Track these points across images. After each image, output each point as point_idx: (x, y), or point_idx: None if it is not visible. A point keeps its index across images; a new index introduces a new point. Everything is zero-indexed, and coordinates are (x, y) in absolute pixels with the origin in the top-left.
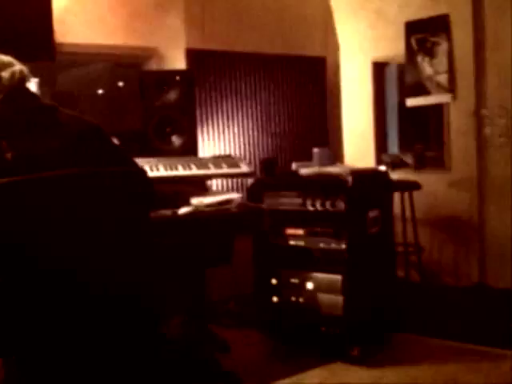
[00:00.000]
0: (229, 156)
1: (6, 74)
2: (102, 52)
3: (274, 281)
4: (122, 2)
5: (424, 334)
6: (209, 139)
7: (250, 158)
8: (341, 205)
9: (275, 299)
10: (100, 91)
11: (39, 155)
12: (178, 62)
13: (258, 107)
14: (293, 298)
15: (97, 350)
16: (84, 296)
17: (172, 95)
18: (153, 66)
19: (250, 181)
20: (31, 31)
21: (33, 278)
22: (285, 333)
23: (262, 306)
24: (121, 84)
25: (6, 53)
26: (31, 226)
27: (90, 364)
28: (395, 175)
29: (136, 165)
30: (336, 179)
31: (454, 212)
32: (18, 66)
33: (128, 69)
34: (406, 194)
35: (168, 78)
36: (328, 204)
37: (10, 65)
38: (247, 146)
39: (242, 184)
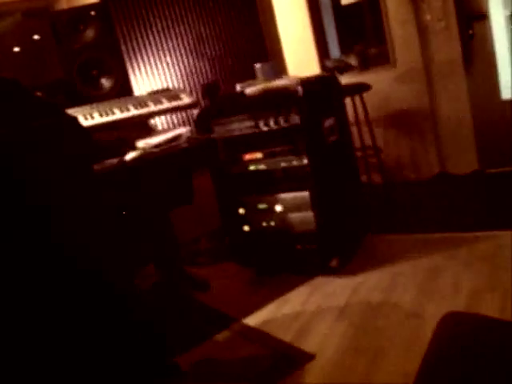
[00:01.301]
0: (167, 89)
1: None
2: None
3: (241, 210)
4: None
5: (396, 232)
6: (141, 76)
7: (189, 88)
8: (295, 118)
9: (246, 228)
10: (15, 49)
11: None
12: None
13: (188, 32)
14: (264, 224)
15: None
16: (39, 258)
17: (90, 34)
18: (63, 6)
19: (194, 112)
20: None
21: None
22: (261, 259)
23: (233, 238)
24: (36, 37)
25: None
26: None
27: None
28: (342, 79)
29: (65, 114)
30: (285, 92)
31: (405, 106)
32: None
33: (40, 18)
34: (357, 98)
35: (82, 15)
36: (281, 120)
37: None
38: (183, 75)
39: (186, 117)
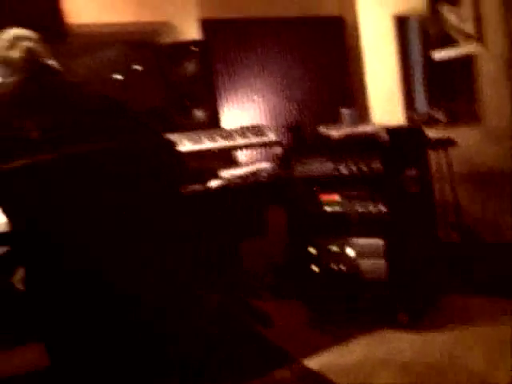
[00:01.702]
0: (254, 125)
1: (15, 54)
2: (114, 31)
3: (312, 250)
4: None
5: (470, 294)
6: (230, 110)
7: (274, 126)
8: (377, 165)
9: (315, 268)
10: (118, 76)
11: (65, 133)
12: (192, 34)
13: (278, 73)
14: (333, 266)
15: (136, 328)
16: (116, 271)
17: (189, 67)
18: (167, 40)
19: (277, 149)
20: (39, 12)
21: (60, 255)
22: (327, 302)
23: (301, 277)
24: (137, 67)
25: None
26: (59, 204)
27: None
28: (428, 133)
29: (163, 137)
30: (370, 139)
31: (490, 166)
32: (26, 43)
33: (143, 49)
34: (441, 152)
35: (183, 50)
36: (363, 165)
37: (18, 41)
38: (270, 113)
39: (269, 153)
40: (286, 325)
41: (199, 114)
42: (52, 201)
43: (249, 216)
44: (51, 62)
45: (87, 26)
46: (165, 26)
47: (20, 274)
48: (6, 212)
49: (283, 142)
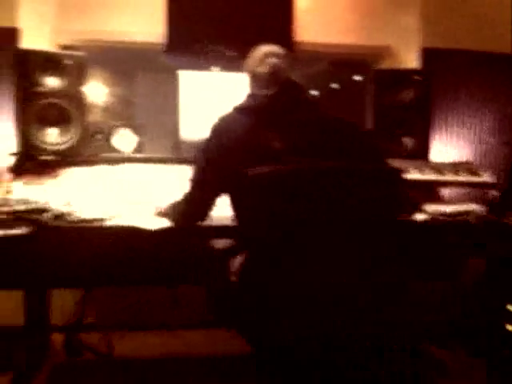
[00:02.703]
0: (467, 162)
1: (262, 70)
2: (333, 51)
3: (510, 307)
4: (360, 1)
5: None
6: (440, 143)
7: (486, 166)
8: None
9: (510, 328)
10: (314, 92)
11: (303, 148)
12: (411, 62)
13: (496, 113)
14: None
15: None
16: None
17: (407, 95)
18: (384, 65)
19: (490, 192)
20: (272, 28)
21: (284, 256)
22: None
23: (492, 333)
24: (335, 86)
25: (245, 48)
26: (294, 211)
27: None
28: None
29: (391, 165)
30: None
31: None
32: (273, 60)
33: (347, 68)
34: None
35: (403, 77)
36: None
37: (266, 57)
38: (482, 154)
39: (478, 195)
40: (462, 378)
41: (409, 142)
42: (288, 208)
43: (446, 256)
44: (294, 79)
45: (309, 44)
46: (384, 51)
47: (234, 265)
48: (242, 210)
49: (500, 185)
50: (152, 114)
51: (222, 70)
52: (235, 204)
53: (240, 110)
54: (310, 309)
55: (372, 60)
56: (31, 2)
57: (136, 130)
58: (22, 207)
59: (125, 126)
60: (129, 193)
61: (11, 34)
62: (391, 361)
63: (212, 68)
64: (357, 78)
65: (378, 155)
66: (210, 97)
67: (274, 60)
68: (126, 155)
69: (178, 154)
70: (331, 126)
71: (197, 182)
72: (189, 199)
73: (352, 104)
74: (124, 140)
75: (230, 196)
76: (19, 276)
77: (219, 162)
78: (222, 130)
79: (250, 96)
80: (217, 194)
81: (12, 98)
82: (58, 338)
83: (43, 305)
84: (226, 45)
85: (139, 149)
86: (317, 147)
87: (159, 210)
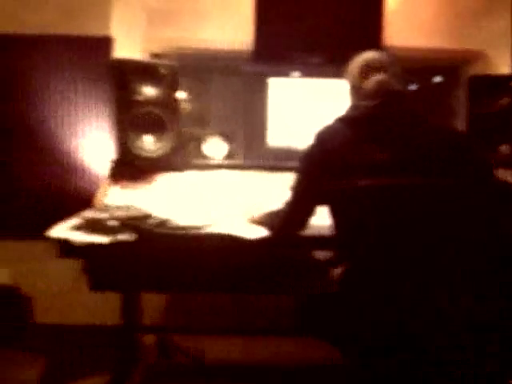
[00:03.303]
0: None
1: (365, 85)
2: (422, 56)
3: None
4: (449, 4)
5: None
6: None
7: None
8: None
9: None
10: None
11: (408, 161)
12: (503, 67)
13: None
14: None
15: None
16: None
17: (503, 102)
18: (473, 70)
19: None
20: (361, 33)
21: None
22: None
23: None
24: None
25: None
26: (395, 227)
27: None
28: None
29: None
30: None
31: None
32: (377, 73)
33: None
34: None
35: (499, 83)
36: None
37: (369, 68)
38: None
39: None
40: None
41: (506, 150)
42: (390, 222)
43: None
44: (400, 88)
45: (397, 49)
46: (475, 56)
47: (333, 276)
48: (342, 222)
49: None
50: (240, 121)
51: (309, 77)
52: (335, 215)
53: (343, 121)
54: (410, 324)
55: (461, 64)
56: (123, 11)
57: (226, 137)
58: (124, 213)
59: (215, 133)
60: (220, 199)
61: (105, 42)
62: None
63: (300, 74)
64: (443, 81)
65: (490, 171)
66: (298, 103)
67: (379, 77)
68: (216, 162)
69: (266, 160)
70: (440, 139)
71: (298, 191)
72: (289, 208)
73: (439, 109)
74: (214, 147)
75: (330, 207)
76: (119, 279)
77: (321, 172)
78: (324, 140)
79: (353, 107)
80: (317, 204)
81: (108, 105)
82: (150, 339)
83: (137, 307)
84: (314, 51)
85: (229, 156)
86: (423, 161)
87: (253, 217)
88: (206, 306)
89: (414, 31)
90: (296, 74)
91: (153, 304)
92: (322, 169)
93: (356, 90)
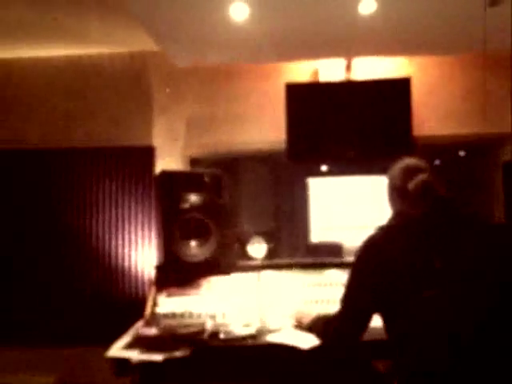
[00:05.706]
0: None
1: (411, 186)
2: (454, 141)
3: None
4: (473, 92)
5: None
6: None
7: None
8: None
9: None
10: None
11: (462, 266)
12: None
13: None
14: None
15: None
16: None
17: None
18: (503, 151)
19: None
20: (391, 127)
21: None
22: None
23: None
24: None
25: (367, 150)
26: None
27: None
28: None
29: None
30: None
31: None
32: (420, 176)
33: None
34: None
35: None
36: None
37: (411, 172)
38: None
39: None
40: None
41: None
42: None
43: None
44: (444, 191)
45: (430, 137)
46: (503, 138)
47: None
48: (396, 333)
49: None
50: (283, 220)
51: (344, 174)
52: (389, 325)
53: (391, 229)
54: None
55: (490, 147)
56: (164, 122)
57: (268, 236)
58: (176, 327)
59: (258, 233)
60: (266, 300)
61: (149, 151)
62: None
63: (334, 172)
64: (477, 166)
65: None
66: (336, 201)
67: (424, 176)
68: (260, 262)
69: (309, 257)
70: (490, 240)
71: (349, 301)
72: (342, 318)
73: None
74: (257, 247)
75: (383, 316)
76: None
77: (372, 282)
78: (374, 249)
79: (399, 213)
80: (371, 314)
81: (154, 214)
82: None
83: None
84: (347, 148)
85: (272, 255)
86: (476, 267)
87: (301, 321)
88: None
89: (441, 119)
90: (330, 171)
91: None
92: (372, 278)
93: (400, 192)
